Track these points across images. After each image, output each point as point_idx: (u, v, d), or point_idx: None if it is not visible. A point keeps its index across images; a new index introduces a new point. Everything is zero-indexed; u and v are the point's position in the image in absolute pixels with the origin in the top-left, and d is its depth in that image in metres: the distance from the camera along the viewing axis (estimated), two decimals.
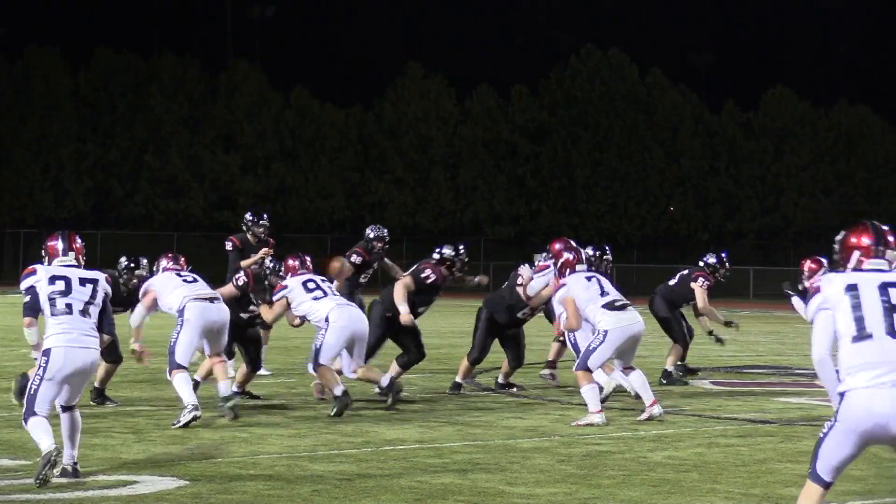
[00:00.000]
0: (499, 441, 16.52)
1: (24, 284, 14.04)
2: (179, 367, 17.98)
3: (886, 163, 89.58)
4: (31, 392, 13.22)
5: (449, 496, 12.11)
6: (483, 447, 16.01)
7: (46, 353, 13.39)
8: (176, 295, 18.60)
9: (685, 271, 25.73)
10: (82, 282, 14.02)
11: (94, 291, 14.11)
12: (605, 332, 18.07)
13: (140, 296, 19.04)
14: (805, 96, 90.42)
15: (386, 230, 26.31)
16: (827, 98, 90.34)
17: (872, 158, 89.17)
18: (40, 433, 12.74)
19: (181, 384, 17.61)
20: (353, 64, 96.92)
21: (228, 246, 26.12)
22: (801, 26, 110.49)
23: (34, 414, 13.10)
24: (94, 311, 14.01)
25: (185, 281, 18.76)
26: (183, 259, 19.93)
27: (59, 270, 14.03)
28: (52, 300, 13.76)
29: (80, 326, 13.75)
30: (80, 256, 14.48)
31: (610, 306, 18.42)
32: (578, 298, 18.58)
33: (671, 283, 25.79)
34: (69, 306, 13.78)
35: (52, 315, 13.67)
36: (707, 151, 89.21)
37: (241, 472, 13.88)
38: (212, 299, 18.94)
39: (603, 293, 18.67)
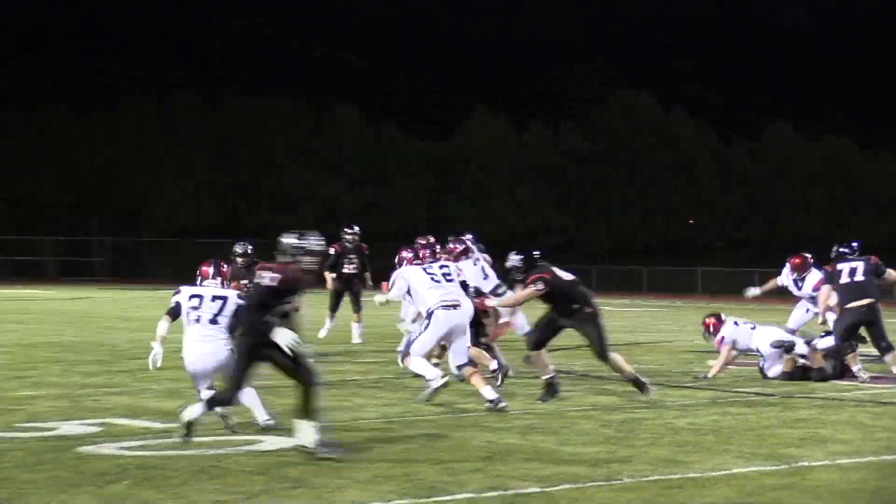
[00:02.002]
0: (552, 409, 16.51)
1: (173, 298, 14.94)
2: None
3: (861, 183, 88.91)
4: None
5: (512, 454, 12.10)
6: (539, 414, 15.99)
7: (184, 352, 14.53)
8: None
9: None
10: (213, 298, 14.59)
11: (223, 306, 14.54)
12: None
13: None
14: (800, 130, 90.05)
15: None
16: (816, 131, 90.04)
17: (851, 181, 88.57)
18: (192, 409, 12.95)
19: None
20: (433, 104, 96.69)
21: (331, 250, 27.23)
22: (794, 70, 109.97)
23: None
24: (223, 320, 14.44)
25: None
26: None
27: (198, 290, 14.85)
28: (188, 313, 14.61)
29: (205, 333, 14.43)
30: (225, 280, 15.47)
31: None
32: None
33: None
34: (198, 318, 14.52)
35: (187, 324, 14.56)
36: (720, 174, 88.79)
37: (344, 433, 13.90)
38: None
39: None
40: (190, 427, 12.34)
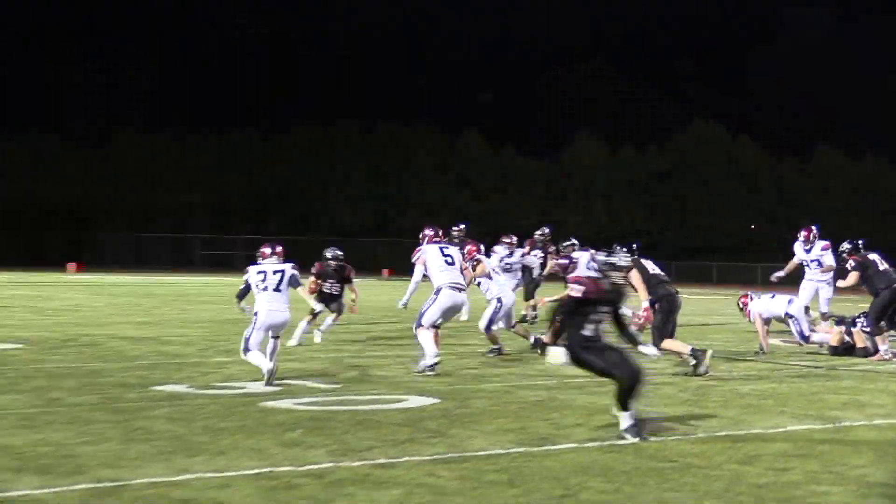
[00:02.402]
0: None
1: (244, 279, 16.23)
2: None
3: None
4: (247, 337, 15.19)
5: (607, 413, 12.03)
6: None
7: (256, 314, 15.40)
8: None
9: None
10: (274, 272, 15.84)
11: (282, 277, 15.83)
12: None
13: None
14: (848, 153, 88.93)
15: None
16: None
17: (887, 194, 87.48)
18: (258, 359, 14.77)
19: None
20: (543, 130, 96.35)
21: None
22: (835, 98, 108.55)
23: (249, 350, 15.07)
24: (284, 287, 15.80)
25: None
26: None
27: (261, 267, 16.03)
28: (256, 285, 15.77)
29: (273, 298, 15.61)
30: (280, 257, 16.39)
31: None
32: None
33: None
34: (266, 287, 15.67)
35: (257, 293, 15.71)
36: (776, 188, 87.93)
37: (471, 395, 13.93)
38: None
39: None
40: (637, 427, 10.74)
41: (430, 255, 17.82)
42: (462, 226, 26.50)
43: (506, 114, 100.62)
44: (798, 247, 24.67)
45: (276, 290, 15.73)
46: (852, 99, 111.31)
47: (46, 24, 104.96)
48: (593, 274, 9.92)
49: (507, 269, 24.18)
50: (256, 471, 8.96)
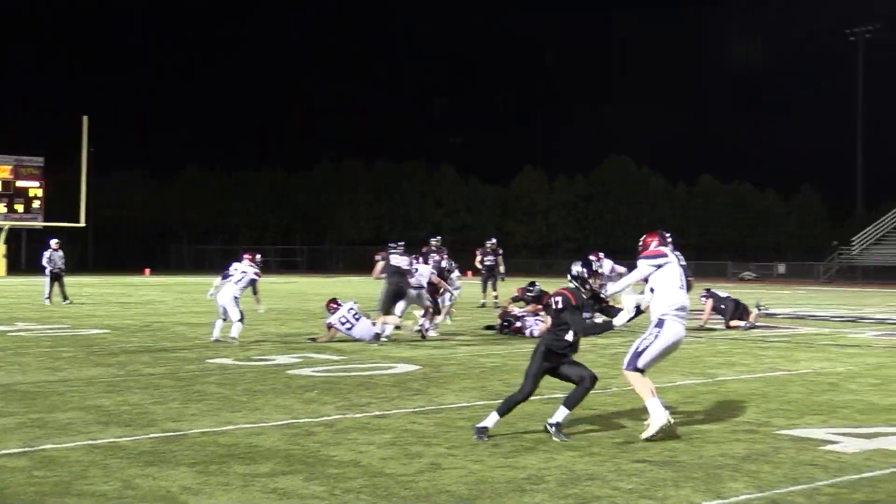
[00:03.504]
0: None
1: (228, 268, 17.42)
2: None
3: (754, 211, 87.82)
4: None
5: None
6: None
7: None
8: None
9: None
10: (242, 272, 17.17)
11: (243, 277, 17.07)
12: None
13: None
14: (723, 179, 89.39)
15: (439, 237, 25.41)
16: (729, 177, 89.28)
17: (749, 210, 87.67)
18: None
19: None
20: (497, 164, 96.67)
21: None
22: (718, 133, 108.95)
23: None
24: (241, 283, 17.00)
25: None
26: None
27: (234, 267, 17.27)
28: (229, 276, 17.10)
29: (228, 288, 16.95)
30: (251, 262, 17.39)
31: None
32: None
33: None
34: (228, 277, 17.00)
35: (223, 279, 17.13)
36: (668, 206, 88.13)
37: (444, 363, 13.90)
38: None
39: None
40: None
41: (423, 269, 18.64)
42: (439, 237, 26.60)
43: (472, 153, 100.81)
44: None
45: (235, 282, 17.03)
46: (726, 137, 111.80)
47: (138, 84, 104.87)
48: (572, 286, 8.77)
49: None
50: (283, 422, 8.93)
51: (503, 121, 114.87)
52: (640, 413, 9.48)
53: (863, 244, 67.05)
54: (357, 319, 16.99)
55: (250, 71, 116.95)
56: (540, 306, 19.04)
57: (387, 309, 17.31)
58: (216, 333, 16.87)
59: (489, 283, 28.53)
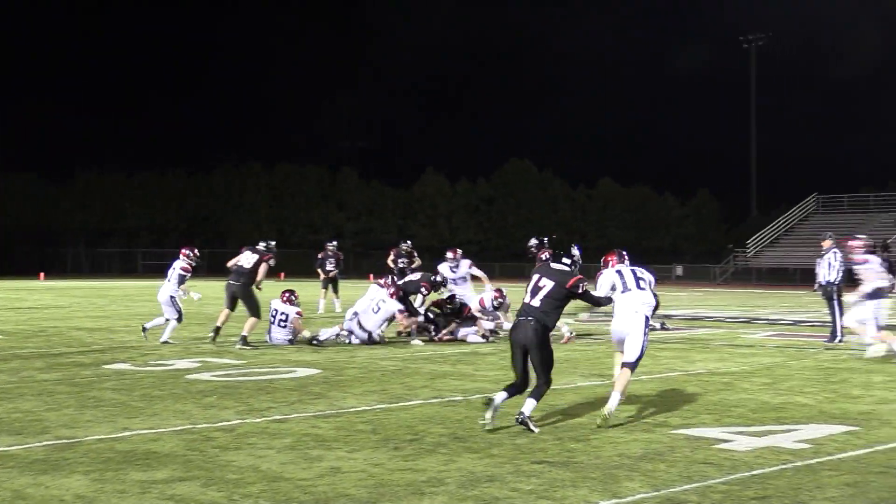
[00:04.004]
0: (468, 348, 16.48)
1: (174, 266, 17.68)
2: None
3: (652, 213, 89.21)
4: None
5: (446, 377, 12.02)
6: (465, 353, 15.98)
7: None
8: None
9: None
10: (172, 266, 17.57)
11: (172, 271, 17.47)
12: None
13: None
14: (623, 183, 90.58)
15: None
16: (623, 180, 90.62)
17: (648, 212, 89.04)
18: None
19: None
20: (399, 168, 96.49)
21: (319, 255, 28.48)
22: (613, 139, 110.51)
23: None
24: (171, 278, 17.36)
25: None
26: None
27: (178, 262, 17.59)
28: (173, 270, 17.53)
29: (168, 285, 17.37)
30: (183, 257, 17.62)
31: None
32: None
33: None
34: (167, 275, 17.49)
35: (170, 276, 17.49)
36: (569, 208, 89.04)
37: (346, 366, 13.85)
38: None
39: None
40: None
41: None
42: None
43: (373, 156, 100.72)
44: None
45: (170, 281, 17.37)
46: (625, 142, 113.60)
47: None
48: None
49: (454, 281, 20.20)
50: (181, 428, 8.82)
51: (405, 124, 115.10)
52: (541, 414, 9.57)
53: (757, 247, 68.68)
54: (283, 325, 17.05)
55: (149, 72, 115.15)
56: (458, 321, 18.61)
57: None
58: (165, 335, 17.09)
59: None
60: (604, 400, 10.68)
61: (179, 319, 17.20)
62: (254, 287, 17.02)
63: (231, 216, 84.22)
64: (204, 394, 10.92)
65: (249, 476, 6.96)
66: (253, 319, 16.70)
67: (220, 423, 9.03)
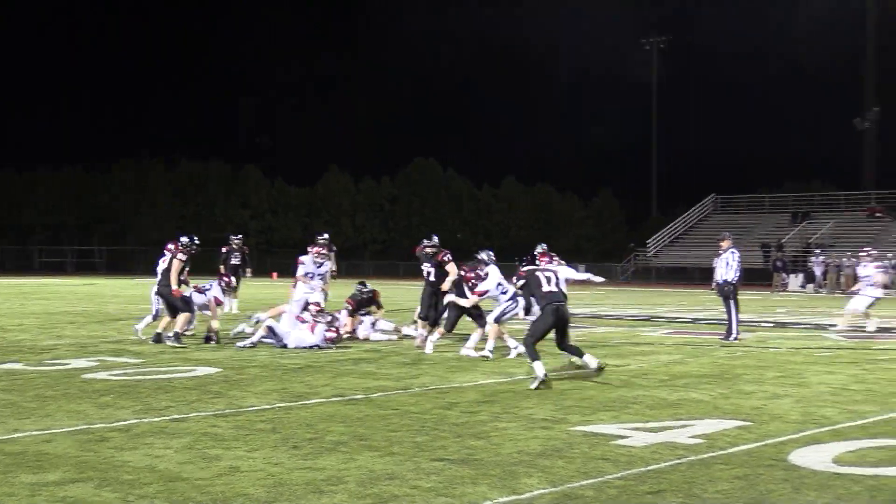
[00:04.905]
0: (369, 346, 16.44)
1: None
2: None
3: (555, 214, 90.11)
4: None
5: (349, 374, 12.00)
6: (365, 350, 15.96)
7: None
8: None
9: None
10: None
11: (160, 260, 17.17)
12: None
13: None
14: (526, 182, 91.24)
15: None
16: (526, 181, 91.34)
17: (551, 212, 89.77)
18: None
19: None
20: (304, 164, 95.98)
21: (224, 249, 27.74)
22: (523, 139, 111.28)
23: None
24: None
25: None
26: None
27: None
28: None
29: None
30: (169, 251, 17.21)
31: None
32: None
33: None
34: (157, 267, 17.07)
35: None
36: (474, 208, 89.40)
37: (247, 365, 13.73)
38: None
39: None
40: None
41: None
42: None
43: (278, 154, 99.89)
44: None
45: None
46: (530, 142, 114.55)
47: None
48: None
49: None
50: (75, 428, 8.64)
51: (309, 122, 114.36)
52: (442, 411, 9.61)
53: (657, 246, 69.82)
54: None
55: (48, 66, 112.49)
56: (375, 306, 19.03)
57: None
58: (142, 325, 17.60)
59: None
60: (506, 398, 10.78)
61: (156, 317, 17.50)
62: (175, 285, 16.76)
63: (131, 213, 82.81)
64: (100, 393, 10.73)
65: (146, 476, 6.85)
66: (184, 315, 16.59)
67: (116, 423, 8.87)
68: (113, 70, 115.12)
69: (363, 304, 19.10)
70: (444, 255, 16.58)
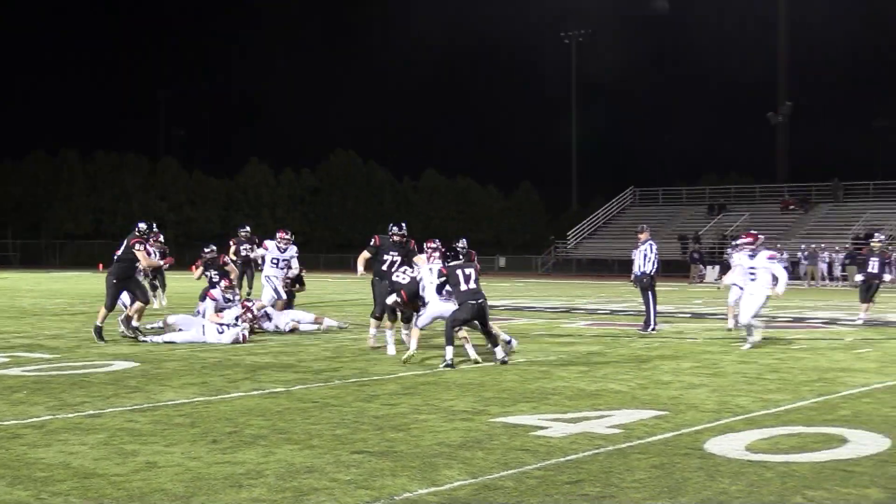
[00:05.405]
0: (293, 339, 16.33)
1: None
2: None
3: (475, 204, 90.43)
4: None
5: (268, 368, 11.89)
6: (286, 343, 15.86)
7: None
8: None
9: None
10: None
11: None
12: None
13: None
14: (447, 175, 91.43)
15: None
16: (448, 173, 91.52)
17: (472, 203, 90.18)
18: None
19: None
20: (223, 156, 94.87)
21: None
22: (445, 129, 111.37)
23: None
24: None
25: None
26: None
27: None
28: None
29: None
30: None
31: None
32: None
33: None
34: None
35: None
36: (394, 200, 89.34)
37: (165, 359, 13.56)
38: None
39: None
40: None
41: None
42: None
43: (196, 145, 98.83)
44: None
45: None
46: (450, 134, 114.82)
47: None
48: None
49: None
50: None
51: (228, 113, 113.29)
52: (362, 403, 9.61)
53: (577, 238, 70.46)
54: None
55: None
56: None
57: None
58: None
59: (245, 277, 26.30)
60: (426, 389, 10.81)
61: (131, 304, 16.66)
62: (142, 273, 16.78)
63: (45, 205, 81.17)
64: (13, 390, 10.53)
65: (59, 473, 6.74)
66: (138, 304, 16.26)
67: (29, 420, 8.72)
68: (26, 58, 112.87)
69: (208, 266, 20.43)
70: (414, 244, 15.91)
